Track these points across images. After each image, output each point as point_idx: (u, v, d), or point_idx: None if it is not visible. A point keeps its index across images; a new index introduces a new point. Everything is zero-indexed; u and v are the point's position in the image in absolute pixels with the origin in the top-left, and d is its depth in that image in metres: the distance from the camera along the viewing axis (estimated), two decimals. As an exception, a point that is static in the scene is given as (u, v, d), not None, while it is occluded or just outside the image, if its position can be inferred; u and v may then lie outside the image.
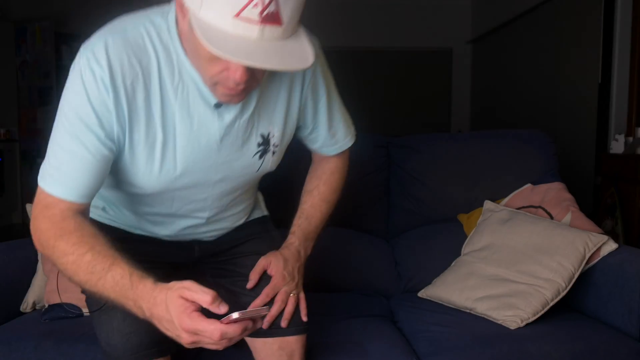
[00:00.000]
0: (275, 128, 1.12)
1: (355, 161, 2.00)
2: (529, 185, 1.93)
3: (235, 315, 0.86)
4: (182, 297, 0.86)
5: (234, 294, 1.20)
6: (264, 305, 1.14)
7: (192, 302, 0.86)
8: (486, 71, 5.75)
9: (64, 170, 0.96)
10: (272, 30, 0.83)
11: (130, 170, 1.02)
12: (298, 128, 1.22)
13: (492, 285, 1.57)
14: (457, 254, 1.81)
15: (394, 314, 1.70)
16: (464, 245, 1.81)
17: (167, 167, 1.01)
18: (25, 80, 5.56)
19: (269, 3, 0.81)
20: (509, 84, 5.12)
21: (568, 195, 1.87)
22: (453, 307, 1.62)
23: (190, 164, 1.03)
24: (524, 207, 1.86)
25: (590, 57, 3.66)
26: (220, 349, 0.90)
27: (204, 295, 0.85)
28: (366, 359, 1.36)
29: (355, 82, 6.20)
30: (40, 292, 1.61)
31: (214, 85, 0.93)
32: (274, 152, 1.14)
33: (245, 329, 0.88)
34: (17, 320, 1.53)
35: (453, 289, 1.64)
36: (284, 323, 1.15)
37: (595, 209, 3.26)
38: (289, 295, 1.17)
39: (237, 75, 0.87)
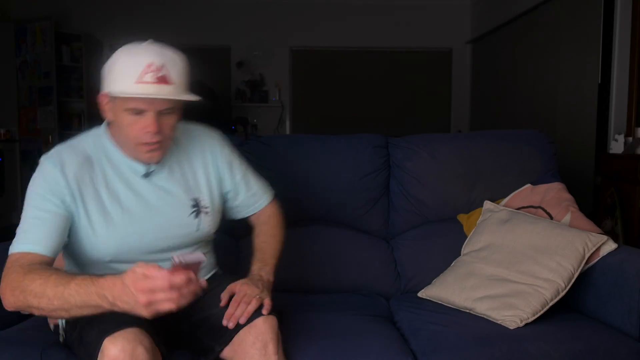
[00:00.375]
0: (203, 193, 1.41)
1: (356, 161, 2.01)
2: (528, 185, 1.93)
3: (175, 258, 1.01)
4: (133, 272, 1.04)
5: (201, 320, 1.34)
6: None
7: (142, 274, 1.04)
8: (486, 71, 5.75)
9: (29, 232, 1.20)
10: (165, 88, 1.19)
11: (92, 239, 1.27)
12: (225, 200, 1.50)
13: (491, 286, 1.57)
14: (457, 254, 1.81)
15: (394, 314, 1.70)
16: (463, 246, 1.82)
17: (120, 227, 1.27)
18: (25, 80, 5.55)
19: (159, 69, 1.18)
20: (508, 84, 5.12)
21: (568, 196, 1.87)
22: (453, 307, 1.63)
23: (138, 221, 1.29)
24: (523, 208, 1.86)
25: (590, 57, 3.65)
26: (174, 308, 1.03)
27: (146, 268, 1.03)
28: (364, 358, 1.36)
29: (355, 82, 6.20)
30: None
31: (137, 147, 1.25)
32: (207, 213, 1.40)
33: (190, 280, 1.03)
34: (22, 325, 1.53)
35: (453, 289, 1.65)
36: (242, 320, 1.26)
37: (595, 209, 3.26)
38: (252, 298, 1.29)
39: (150, 126, 1.20)
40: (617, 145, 3.21)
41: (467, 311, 1.58)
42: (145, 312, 1.03)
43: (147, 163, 1.30)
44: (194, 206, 1.38)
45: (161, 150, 1.27)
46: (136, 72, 1.17)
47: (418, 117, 6.21)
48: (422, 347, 1.41)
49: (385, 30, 6.04)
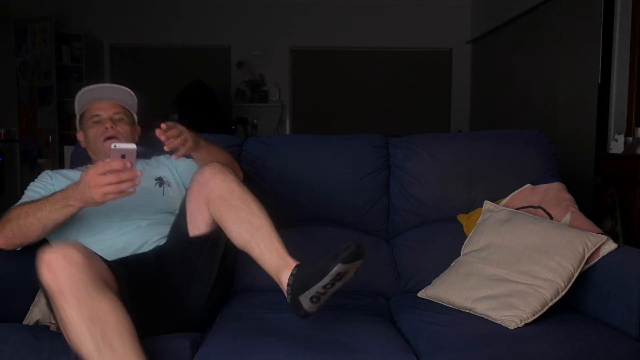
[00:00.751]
0: (165, 174, 1.79)
1: (355, 161, 2.02)
2: (528, 185, 1.93)
3: (112, 145, 1.26)
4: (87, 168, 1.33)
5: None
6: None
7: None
8: (486, 71, 5.75)
9: (22, 200, 1.56)
10: (113, 88, 1.78)
11: None
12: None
13: (491, 286, 1.57)
14: (457, 254, 1.81)
15: (394, 314, 1.70)
16: (463, 246, 1.82)
17: None
18: (25, 80, 5.55)
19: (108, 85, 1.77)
20: (508, 84, 5.12)
21: (567, 196, 1.87)
22: (452, 307, 1.63)
23: None
24: (523, 208, 1.86)
25: (590, 57, 3.65)
26: (117, 190, 1.25)
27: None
28: (364, 359, 1.36)
29: (355, 82, 6.20)
30: (46, 309, 1.60)
31: (102, 144, 1.68)
32: (169, 185, 1.77)
33: (126, 166, 1.25)
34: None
35: (452, 289, 1.65)
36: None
37: (595, 209, 3.26)
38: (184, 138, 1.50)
39: (107, 123, 1.69)
40: (617, 145, 3.21)
41: (467, 311, 1.57)
42: (95, 195, 1.26)
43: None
44: (157, 180, 1.75)
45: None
46: (90, 88, 1.75)
47: (418, 117, 6.21)
48: (422, 347, 1.40)
49: (385, 30, 6.04)
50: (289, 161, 2.00)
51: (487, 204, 1.89)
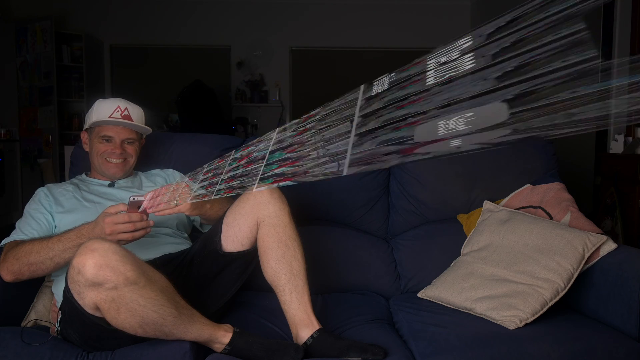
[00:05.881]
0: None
1: (355, 161, 2.01)
2: (528, 185, 1.93)
3: (130, 198, 1.32)
4: (105, 210, 1.36)
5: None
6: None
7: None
8: (486, 71, 5.75)
9: (21, 229, 1.55)
10: (128, 122, 1.68)
11: (81, 216, 1.57)
12: None
13: (491, 286, 1.57)
14: (457, 254, 1.81)
15: (393, 315, 1.70)
16: (463, 246, 1.82)
17: (90, 215, 1.52)
18: (25, 80, 5.55)
19: (124, 110, 1.69)
20: (508, 84, 5.12)
21: (567, 196, 1.87)
22: (452, 307, 1.63)
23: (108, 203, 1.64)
24: (523, 208, 1.86)
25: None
26: (130, 238, 1.33)
27: (113, 206, 1.36)
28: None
29: (354, 82, 6.19)
30: (44, 311, 1.60)
31: (105, 161, 1.69)
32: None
33: (142, 219, 1.33)
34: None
35: (452, 289, 1.65)
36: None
37: (595, 209, 3.26)
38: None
39: (117, 149, 1.68)
40: (617, 145, 3.21)
41: (467, 311, 1.57)
42: (110, 240, 1.26)
43: (112, 176, 1.71)
44: None
45: (123, 170, 1.71)
46: (108, 111, 1.68)
47: (418, 117, 6.21)
48: (422, 348, 1.40)
49: (385, 30, 6.04)
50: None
51: (487, 204, 1.89)
